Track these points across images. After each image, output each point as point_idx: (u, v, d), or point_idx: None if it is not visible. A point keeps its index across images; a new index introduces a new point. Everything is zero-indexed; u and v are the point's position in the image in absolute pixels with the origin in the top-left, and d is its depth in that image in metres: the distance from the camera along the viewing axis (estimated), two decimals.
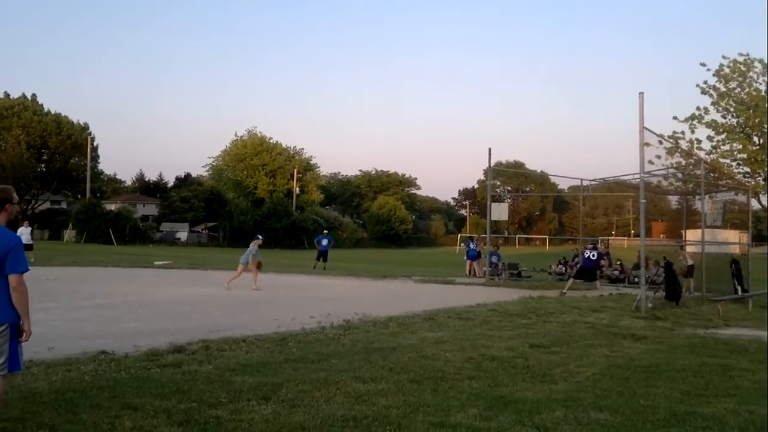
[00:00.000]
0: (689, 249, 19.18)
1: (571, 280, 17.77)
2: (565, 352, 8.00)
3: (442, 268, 30.07)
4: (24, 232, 19.85)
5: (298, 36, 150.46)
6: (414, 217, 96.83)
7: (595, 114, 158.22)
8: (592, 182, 24.27)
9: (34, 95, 63.55)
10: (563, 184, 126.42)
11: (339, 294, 15.83)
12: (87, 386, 5.53)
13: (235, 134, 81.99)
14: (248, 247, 17.20)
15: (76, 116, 66.05)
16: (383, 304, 13.37)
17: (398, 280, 21.46)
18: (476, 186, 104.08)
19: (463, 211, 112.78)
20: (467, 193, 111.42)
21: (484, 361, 7.19)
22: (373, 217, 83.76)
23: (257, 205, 70.50)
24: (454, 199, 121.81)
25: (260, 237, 18.78)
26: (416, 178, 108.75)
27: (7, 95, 62.99)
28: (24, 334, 4.31)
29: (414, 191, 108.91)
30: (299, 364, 6.70)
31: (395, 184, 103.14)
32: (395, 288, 18.42)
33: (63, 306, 11.56)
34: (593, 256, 17.64)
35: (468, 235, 28.99)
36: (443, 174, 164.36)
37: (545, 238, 75.95)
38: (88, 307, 11.72)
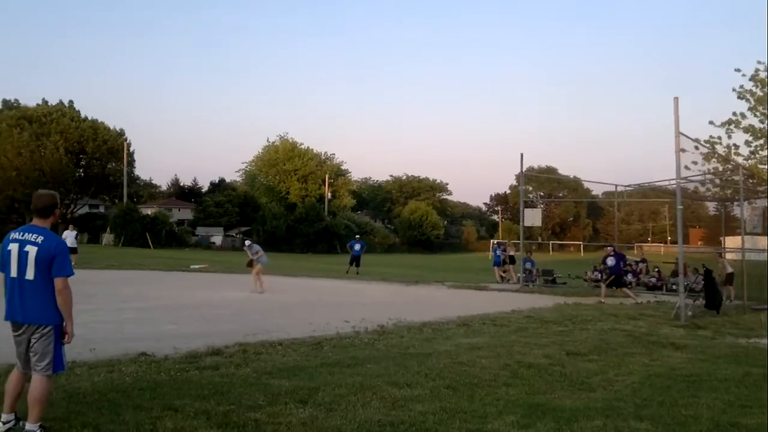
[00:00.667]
0: (728, 256, 18.73)
1: (603, 288, 17.49)
2: (602, 360, 7.88)
3: (474, 274, 29.92)
4: (69, 236, 20.27)
5: (332, 41, 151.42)
6: (445, 222, 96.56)
7: (629, 119, 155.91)
8: (627, 188, 23.93)
9: (71, 102, 65.11)
10: (597, 190, 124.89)
11: (372, 299, 15.85)
12: (128, 387, 5.64)
13: (267, 140, 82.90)
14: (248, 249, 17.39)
15: (112, 122, 67.36)
16: (417, 309, 13.36)
17: (431, 285, 21.41)
18: (508, 191, 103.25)
19: (495, 217, 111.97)
20: (499, 199, 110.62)
21: (521, 368, 7.13)
22: (405, 223, 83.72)
23: (290, 210, 71.11)
24: (485, 204, 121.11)
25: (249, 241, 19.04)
26: (447, 184, 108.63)
27: (45, 102, 64.71)
28: (67, 336, 4.45)
29: (445, 197, 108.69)
30: (335, 368, 6.74)
31: (426, 190, 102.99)
32: (428, 293, 18.38)
33: (104, 308, 11.81)
34: (613, 261, 17.33)
35: (498, 240, 28.81)
36: (475, 179, 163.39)
37: (579, 245, 74.89)
38: (127, 309, 11.97)
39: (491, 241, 73.72)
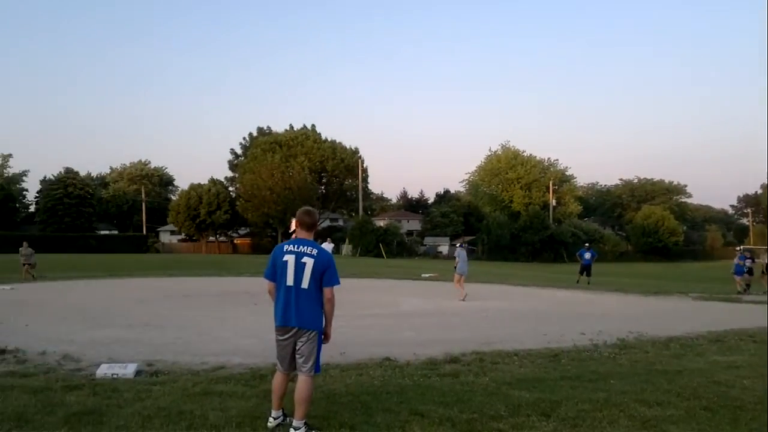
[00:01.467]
0: None
1: None
2: None
3: (722, 284, 26.83)
4: (327, 248, 22.25)
5: (553, 48, 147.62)
6: (685, 228, 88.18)
7: None
8: None
9: (313, 125, 72.09)
10: None
11: (607, 310, 15.05)
12: (377, 390, 6.02)
13: (490, 149, 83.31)
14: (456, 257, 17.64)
15: (347, 141, 73.20)
16: (659, 322, 12.40)
17: (673, 296, 19.68)
18: (759, 191, 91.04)
19: (744, 220, 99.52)
20: (749, 200, 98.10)
21: None
22: (638, 229, 78.03)
23: (513, 219, 70.56)
24: (732, 206, 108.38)
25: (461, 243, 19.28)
26: (686, 185, 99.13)
27: (291, 127, 72.41)
28: (327, 338, 4.92)
29: (684, 199, 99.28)
30: (576, 382, 6.53)
31: (661, 193, 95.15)
32: (671, 306, 16.92)
33: (348, 314, 12.76)
34: None
35: (744, 246, 25.49)
36: (718, 179, 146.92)
37: None
38: (369, 316, 12.83)
39: (740, 247, 65.68)
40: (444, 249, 66.36)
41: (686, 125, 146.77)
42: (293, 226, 5.12)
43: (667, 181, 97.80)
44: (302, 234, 4.90)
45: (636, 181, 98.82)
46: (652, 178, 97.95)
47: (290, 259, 4.74)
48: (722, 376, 7.03)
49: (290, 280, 4.73)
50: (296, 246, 4.79)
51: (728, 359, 8.19)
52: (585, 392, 6.06)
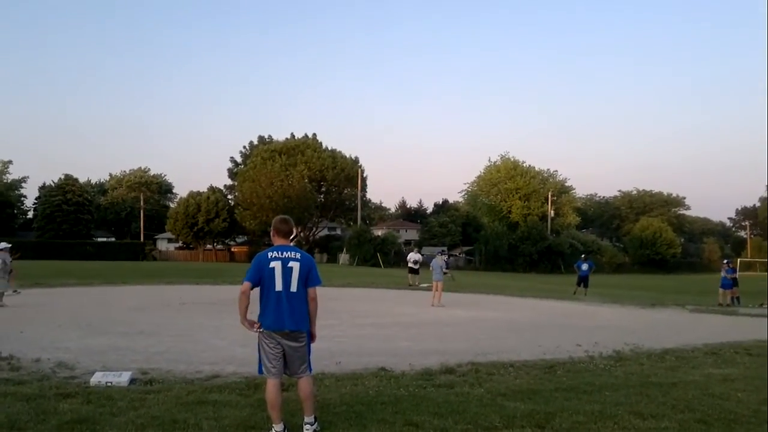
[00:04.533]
0: None
1: None
2: None
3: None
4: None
5: (553, 59, 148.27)
6: (683, 240, 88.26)
7: None
8: None
9: (314, 134, 72.20)
10: None
11: (604, 322, 15.04)
12: (372, 400, 6.00)
13: (489, 159, 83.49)
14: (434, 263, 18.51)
15: (348, 150, 73.28)
16: (655, 334, 12.41)
17: (669, 308, 19.69)
18: (758, 204, 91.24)
19: (742, 233, 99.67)
20: (747, 213, 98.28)
21: None
22: (636, 241, 78.11)
23: (512, 229, 70.59)
24: (730, 219, 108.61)
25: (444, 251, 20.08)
26: (684, 198, 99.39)
27: (292, 136, 72.54)
28: (313, 338, 5.09)
29: (682, 211, 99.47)
30: (570, 393, 6.52)
31: (659, 205, 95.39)
32: (667, 317, 16.92)
33: (344, 323, 12.80)
34: None
35: (728, 260, 25.74)
36: (716, 191, 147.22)
37: None
38: (365, 325, 12.81)
39: (738, 260, 65.77)
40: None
41: (686, 137, 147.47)
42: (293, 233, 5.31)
43: (665, 193, 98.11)
44: (280, 241, 5.07)
45: (635, 192, 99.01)
46: (651, 190, 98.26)
47: (277, 265, 4.86)
48: (717, 388, 7.02)
49: (279, 285, 4.84)
50: (281, 252, 4.94)
51: (723, 372, 8.19)
52: (580, 404, 6.05)
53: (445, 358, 8.46)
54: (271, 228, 5.15)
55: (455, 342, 10.79)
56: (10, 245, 16.26)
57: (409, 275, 27.58)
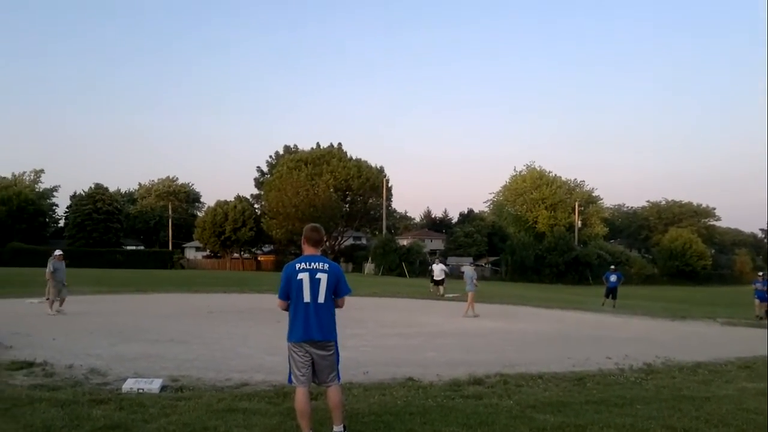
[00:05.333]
0: None
1: None
2: None
3: (750, 309, 26.23)
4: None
5: (581, 69, 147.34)
6: (713, 251, 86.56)
7: None
8: None
9: (339, 144, 72.56)
10: None
11: (634, 334, 14.83)
12: (400, 411, 5.98)
13: (515, 169, 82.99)
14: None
15: (373, 160, 73.44)
16: (686, 347, 12.20)
17: (700, 321, 19.35)
18: None
19: None
20: None
21: None
22: (665, 252, 76.75)
23: (538, 239, 69.98)
24: (762, 230, 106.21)
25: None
26: (714, 208, 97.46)
27: (318, 145, 72.99)
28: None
29: (712, 222, 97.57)
30: (601, 406, 6.43)
31: (689, 215, 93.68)
32: (698, 330, 16.62)
33: (371, 333, 12.81)
34: None
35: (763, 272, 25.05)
36: (747, 201, 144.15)
37: None
38: (392, 335, 12.81)
39: (759, 272, 64.27)
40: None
41: (715, 146, 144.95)
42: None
43: (695, 203, 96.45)
44: (310, 250, 5.05)
45: (663, 203, 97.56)
46: (680, 201, 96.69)
47: (305, 276, 4.88)
48: (751, 403, 6.88)
49: (307, 297, 4.87)
50: (308, 263, 4.93)
51: (757, 386, 8.01)
52: (610, 417, 5.97)
53: (473, 369, 8.41)
54: (302, 236, 5.14)
55: (482, 353, 10.73)
56: (61, 252, 16.49)
57: (432, 285, 27.49)
